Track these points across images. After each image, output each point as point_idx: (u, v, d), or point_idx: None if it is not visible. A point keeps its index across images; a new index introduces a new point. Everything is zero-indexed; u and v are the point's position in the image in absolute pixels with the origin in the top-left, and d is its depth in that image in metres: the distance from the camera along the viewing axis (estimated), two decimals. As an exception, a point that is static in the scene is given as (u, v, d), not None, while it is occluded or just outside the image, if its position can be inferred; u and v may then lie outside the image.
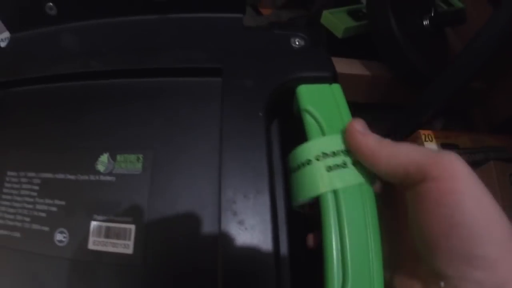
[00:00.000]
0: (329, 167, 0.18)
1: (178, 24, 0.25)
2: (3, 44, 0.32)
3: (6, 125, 0.25)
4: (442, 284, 0.16)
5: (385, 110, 0.60)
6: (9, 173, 0.23)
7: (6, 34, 0.32)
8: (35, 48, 0.28)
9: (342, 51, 0.54)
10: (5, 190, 0.22)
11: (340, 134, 0.19)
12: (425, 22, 0.50)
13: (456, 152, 0.50)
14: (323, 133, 0.20)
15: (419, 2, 0.51)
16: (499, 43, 0.37)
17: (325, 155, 0.19)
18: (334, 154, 0.19)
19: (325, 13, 0.51)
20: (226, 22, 0.25)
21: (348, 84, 0.54)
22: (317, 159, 0.18)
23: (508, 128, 0.62)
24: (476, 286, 0.15)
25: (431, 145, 0.47)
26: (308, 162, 0.19)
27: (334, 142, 0.19)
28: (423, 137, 0.47)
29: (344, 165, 0.18)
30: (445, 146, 0.49)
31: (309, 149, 0.19)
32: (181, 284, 0.17)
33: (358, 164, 0.18)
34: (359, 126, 0.19)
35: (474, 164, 0.45)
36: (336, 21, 0.50)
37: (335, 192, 0.17)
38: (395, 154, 0.17)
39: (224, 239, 0.17)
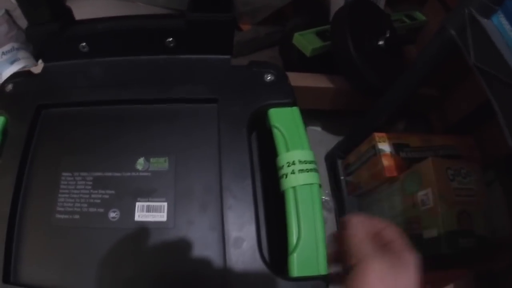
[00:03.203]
0: (300, 170, 0.31)
1: (184, 63, 0.38)
2: (36, 72, 0.43)
3: (55, 138, 0.36)
4: None
5: (348, 116, 0.74)
6: (64, 173, 0.34)
7: (40, 67, 0.43)
8: (70, 76, 0.39)
9: (311, 66, 0.68)
10: (62, 187, 0.33)
11: (310, 150, 0.32)
12: (381, 43, 0.64)
13: (406, 150, 0.65)
14: (286, 142, 0.33)
15: (375, 25, 0.65)
16: (430, 68, 0.51)
17: (299, 161, 0.31)
18: (305, 162, 0.32)
19: (296, 35, 0.64)
20: (219, 62, 0.38)
21: (316, 95, 0.69)
22: (293, 163, 0.31)
23: (460, 129, 0.76)
24: None
25: (384, 146, 0.61)
26: (292, 163, 0.31)
27: (308, 154, 0.32)
28: (377, 138, 0.61)
29: (309, 170, 0.31)
30: (397, 145, 0.62)
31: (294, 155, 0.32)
32: (197, 236, 0.30)
33: (314, 171, 0.31)
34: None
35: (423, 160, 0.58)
36: (305, 42, 0.63)
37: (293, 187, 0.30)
38: None
39: (226, 204, 0.30)
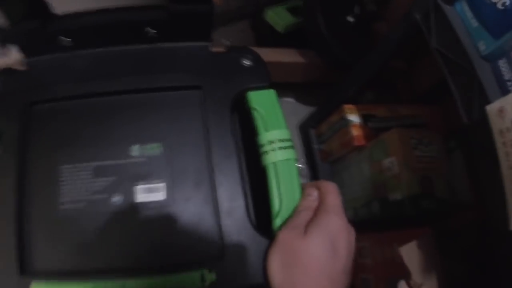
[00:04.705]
0: (279, 147, 0.38)
1: (166, 51, 0.43)
2: (21, 68, 0.45)
3: (50, 133, 0.40)
4: None
5: (320, 87, 0.81)
6: (65, 166, 0.38)
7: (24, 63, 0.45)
8: (56, 71, 0.42)
9: (284, 40, 0.73)
10: (64, 179, 0.38)
11: (287, 129, 0.39)
12: (350, 19, 0.70)
13: (374, 120, 0.74)
14: (265, 122, 0.39)
15: (346, 2, 0.71)
16: (396, 47, 0.58)
17: (278, 140, 0.38)
18: (283, 140, 0.38)
19: (269, 12, 0.69)
20: (199, 49, 0.43)
21: (288, 69, 0.75)
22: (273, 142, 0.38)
23: (427, 99, 0.85)
24: None
25: (353, 117, 0.68)
26: (272, 142, 0.38)
27: (285, 133, 0.39)
28: (346, 110, 0.68)
29: (287, 147, 0.38)
30: (365, 116, 0.70)
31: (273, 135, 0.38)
32: (194, 209, 0.37)
33: (291, 148, 0.38)
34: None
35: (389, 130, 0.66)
36: (278, 19, 0.68)
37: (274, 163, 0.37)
38: None
39: (217, 181, 0.37)
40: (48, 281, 0.34)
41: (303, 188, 0.37)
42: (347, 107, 0.69)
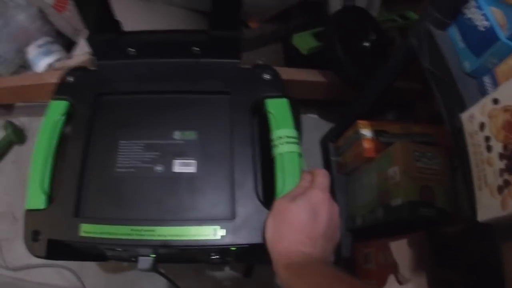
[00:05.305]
0: (286, 142, 0.50)
1: (206, 65, 0.57)
2: (92, 68, 0.62)
3: (112, 117, 0.55)
4: None
5: (341, 105, 0.93)
6: (122, 141, 0.53)
7: (95, 64, 0.61)
8: (120, 72, 0.58)
9: (309, 62, 0.86)
10: (120, 150, 0.52)
11: (294, 129, 0.51)
12: (366, 44, 0.81)
13: (385, 135, 0.85)
14: (277, 123, 0.51)
15: (363, 29, 0.82)
16: (399, 68, 0.68)
17: (286, 136, 0.50)
18: (290, 137, 0.50)
19: (295, 36, 0.82)
20: (231, 64, 0.57)
21: (310, 87, 0.88)
22: (281, 137, 0.50)
23: (442, 120, 0.93)
24: None
25: (366, 132, 0.79)
26: (281, 137, 0.50)
27: (292, 132, 0.51)
28: (360, 125, 0.79)
29: (292, 142, 0.50)
30: (377, 131, 0.80)
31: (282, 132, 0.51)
32: (216, 182, 0.49)
33: (296, 144, 0.50)
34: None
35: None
36: (302, 42, 0.81)
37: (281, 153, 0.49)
38: None
39: (235, 163, 0.49)
40: (94, 224, 0.47)
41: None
42: (361, 122, 0.80)
